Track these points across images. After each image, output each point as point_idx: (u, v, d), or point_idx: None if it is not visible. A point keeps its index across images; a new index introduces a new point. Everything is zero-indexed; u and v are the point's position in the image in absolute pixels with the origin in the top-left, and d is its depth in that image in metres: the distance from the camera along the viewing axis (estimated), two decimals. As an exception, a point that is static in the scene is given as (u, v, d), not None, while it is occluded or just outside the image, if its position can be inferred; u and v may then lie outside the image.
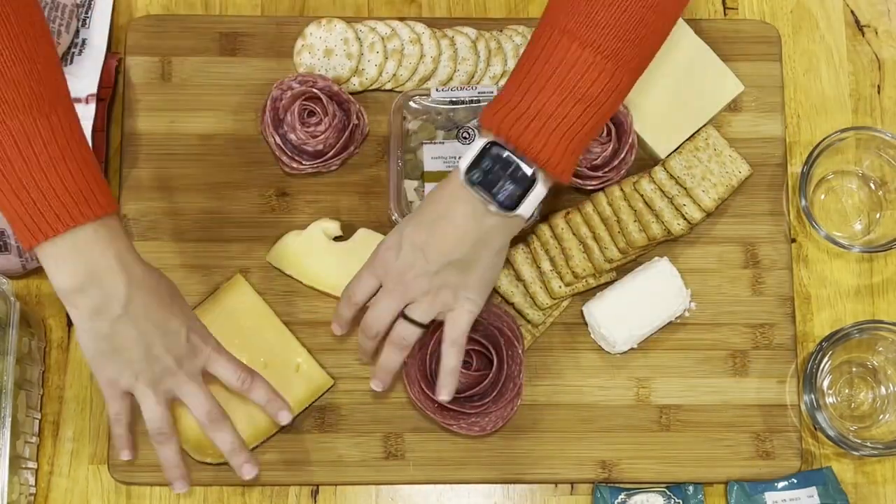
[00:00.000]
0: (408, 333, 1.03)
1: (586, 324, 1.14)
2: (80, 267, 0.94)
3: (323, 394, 1.12)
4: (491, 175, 0.94)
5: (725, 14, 1.24)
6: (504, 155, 0.94)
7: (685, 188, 1.13)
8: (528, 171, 0.94)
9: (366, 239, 1.14)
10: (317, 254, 1.14)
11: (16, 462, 1.06)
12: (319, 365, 1.13)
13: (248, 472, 1.04)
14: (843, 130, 1.16)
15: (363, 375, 1.14)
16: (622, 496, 1.11)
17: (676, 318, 1.15)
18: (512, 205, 0.95)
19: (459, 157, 0.98)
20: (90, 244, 0.94)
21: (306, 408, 1.12)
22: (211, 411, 1.02)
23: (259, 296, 1.14)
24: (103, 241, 0.94)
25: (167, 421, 1.01)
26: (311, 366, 1.12)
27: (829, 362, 1.15)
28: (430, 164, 1.14)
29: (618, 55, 0.91)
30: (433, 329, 1.09)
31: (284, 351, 1.12)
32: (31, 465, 1.11)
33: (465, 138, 1.14)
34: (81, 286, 0.94)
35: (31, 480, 1.11)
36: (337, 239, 1.15)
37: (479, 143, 0.95)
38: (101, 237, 0.94)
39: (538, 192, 0.95)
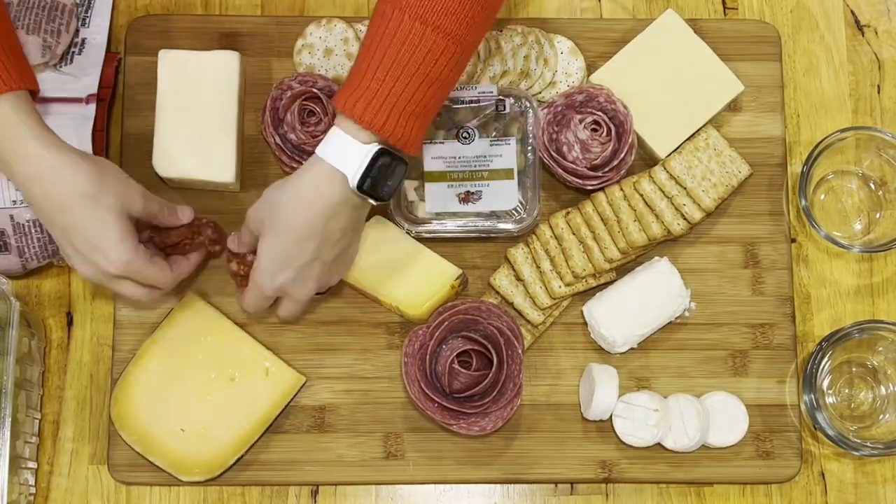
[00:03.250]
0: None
1: (586, 324, 1.14)
2: None
3: (297, 392, 1.12)
4: (378, 179, 0.97)
5: (725, 14, 1.24)
6: (389, 159, 0.96)
7: (685, 188, 1.13)
8: (404, 164, 0.98)
9: (379, 227, 1.14)
10: None
11: (16, 462, 1.06)
12: (287, 364, 1.13)
13: (183, 213, 1.07)
14: (843, 130, 1.16)
15: (363, 375, 1.14)
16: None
17: (676, 318, 1.15)
18: (391, 197, 1.00)
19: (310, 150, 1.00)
20: None
21: (284, 408, 1.12)
22: (146, 296, 1.03)
23: (215, 309, 1.13)
24: (8, 116, 0.94)
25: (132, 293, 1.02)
26: (279, 368, 1.12)
27: (829, 362, 1.15)
28: (430, 164, 1.14)
29: (463, 39, 0.95)
30: (433, 328, 1.09)
31: (250, 359, 1.12)
32: (31, 465, 1.11)
33: (465, 138, 1.15)
34: None
35: (31, 480, 1.11)
36: None
37: (364, 152, 0.95)
38: (5, 111, 0.94)
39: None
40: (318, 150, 0.97)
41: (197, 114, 1.13)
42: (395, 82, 0.93)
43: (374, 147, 0.95)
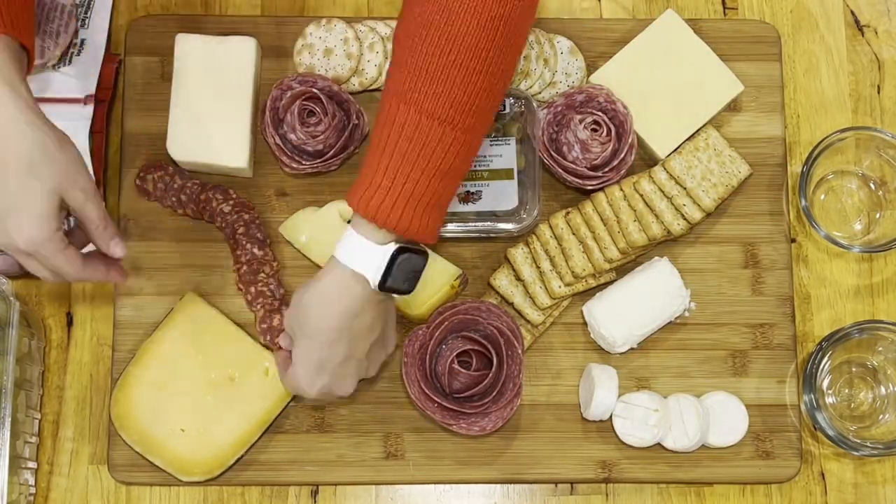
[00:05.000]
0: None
1: (586, 324, 1.14)
2: None
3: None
4: (399, 277, 0.95)
5: (725, 14, 1.24)
6: (408, 256, 0.95)
7: (685, 188, 1.13)
8: (423, 254, 0.97)
9: None
10: (329, 233, 1.14)
11: (15, 462, 1.06)
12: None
13: (116, 247, 0.98)
14: (842, 130, 1.16)
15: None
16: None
17: (676, 318, 1.15)
18: (414, 287, 0.98)
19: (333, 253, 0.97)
20: None
21: (284, 408, 1.12)
22: (76, 274, 0.96)
23: (215, 309, 1.13)
24: None
25: (58, 263, 0.95)
26: None
27: (829, 362, 1.15)
28: (430, 164, 1.14)
29: (472, 128, 0.93)
30: (433, 328, 1.09)
31: (250, 359, 1.12)
32: (31, 465, 1.11)
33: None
34: None
35: (31, 480, 1.11)
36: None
37: (382, 252, 0.94)
38: None
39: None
40: (336, 254, 0.95)
41: (212, 99, 1.14)
42: (406, 178, 0.92)
43: (392, 247, 0.94)
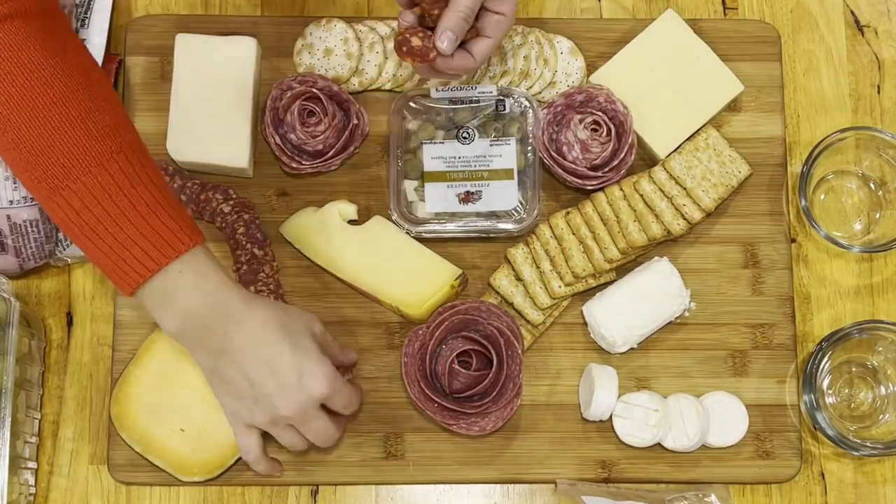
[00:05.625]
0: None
1: (586, 324, 1.14)
2: (175, 310, 0.95)
3: None
4: None
5: (725, 14, 1.24)
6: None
7: (685, 188, 1.13)
8: None
9: (380, 226, 1.14)
10: (329, 233, 1.14)
11: (15, 462, 1.06)
12: None
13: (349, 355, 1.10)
14: (842, 130, 1.16)
15: (363, 375, 1.14)
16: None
17: (676, 318, 1.15)
18: None
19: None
20: (177, 285, 0.94)
21: None
22: (328, 440, 1.04)
23: None
24: (189, 281, 0.94)
25: (299, 442, 1.03)
26: None
27: (829, 362, 1.15)
28: (429, 165, 1.14)
29: None
30: (433, 328, 1.09)
31: None
32: (31, 465, 1.11)
33: (465, 138, 1.15)
34: (181, 329, 0.95)
35: (31, 480, 1.11)
36: (352, 223, 1.15)
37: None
38: (187, 277, 0.94)
39: None
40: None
41: (212, 98, 1.14)
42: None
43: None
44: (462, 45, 1.01)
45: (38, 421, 1.13)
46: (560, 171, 1.14)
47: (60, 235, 1.12)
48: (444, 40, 0.99)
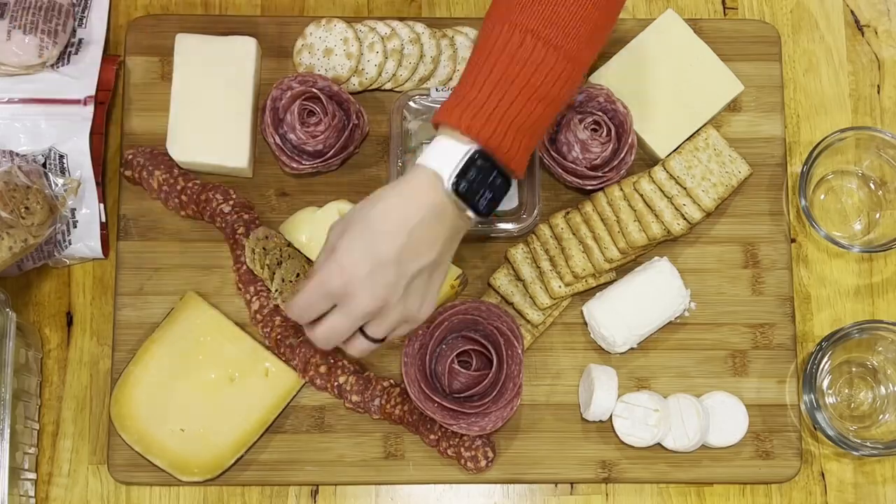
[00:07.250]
0: (365, 347, 0.94)
1: (586, 324, 1.14)
2: None
3: (297, 392, 1.12)
4: (475, 184, 0.91)
5: (725, 14, 1.24)
6: (489, 165, 0.90)
7: (685, 188, 1.13)
8: (506, 179, 0.92)
9: None
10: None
11: (15, 473, 1.06)
12: (287, 364, 1.12)
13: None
14: (842, 130, 1.16)
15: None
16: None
17: (676, 318, 1.15)
18: (489, 212, 0.93)
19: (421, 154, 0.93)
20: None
21: (283, 409, 1.12)
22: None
23: (215, 309, 1.13)
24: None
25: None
26: (279, 368, 1.12)
27: (829, 362, 1.15)
28: (430, 164, 1.14)
29: (577, 57, 0.91)
30: (433, 328, 1.09)
31: (250, 359, 1.12)
32: (31, 475, 1.10)
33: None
34: None
35: (31, 491, 1.10)
36: None
37: (462, 151, 0.89)
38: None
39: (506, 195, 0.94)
40: (418, 160, 0.91)
41: (212, 99, 1.14)
42: (502, 95, 0.89)
43: (474, 146, 0.89)
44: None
45: (36, 431, 1.12)
46: (560, 171, 1.14)
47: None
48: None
